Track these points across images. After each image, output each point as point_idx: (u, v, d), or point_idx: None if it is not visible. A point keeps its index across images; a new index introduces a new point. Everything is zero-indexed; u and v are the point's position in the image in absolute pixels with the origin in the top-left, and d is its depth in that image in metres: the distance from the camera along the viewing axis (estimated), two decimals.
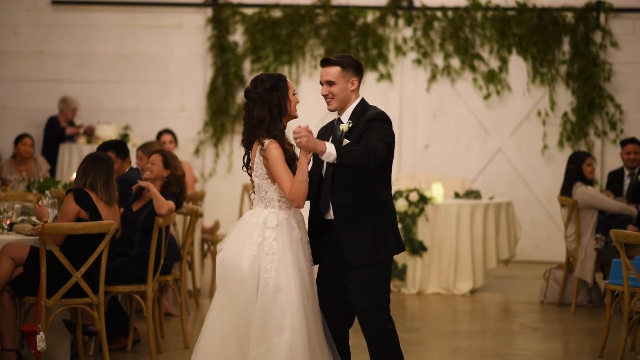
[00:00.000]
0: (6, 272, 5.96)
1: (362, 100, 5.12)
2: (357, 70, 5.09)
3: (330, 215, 5.03)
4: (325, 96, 5.07)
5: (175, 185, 6.91)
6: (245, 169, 5.16)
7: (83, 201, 6.09)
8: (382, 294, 5.03)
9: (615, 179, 9.11)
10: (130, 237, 6.72)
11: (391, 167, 5.11)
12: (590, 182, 8.77)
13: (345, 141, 4.97)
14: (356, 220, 4.97)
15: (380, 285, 5.03)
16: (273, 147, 4.89)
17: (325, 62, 5.10)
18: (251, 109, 4.99)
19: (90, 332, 6.35)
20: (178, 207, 6.94)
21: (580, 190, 8.68)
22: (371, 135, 4.92)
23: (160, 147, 7.95)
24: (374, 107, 5.09)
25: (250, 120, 5.00)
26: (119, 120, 11.72)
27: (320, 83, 5.12)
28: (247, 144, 5.08)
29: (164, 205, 6.65)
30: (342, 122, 5.07)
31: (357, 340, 5.53)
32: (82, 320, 6.33)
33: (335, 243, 5.03)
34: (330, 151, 4.79)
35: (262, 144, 4.94)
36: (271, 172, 4.91)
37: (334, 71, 5.05)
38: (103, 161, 6.25)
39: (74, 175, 7.93)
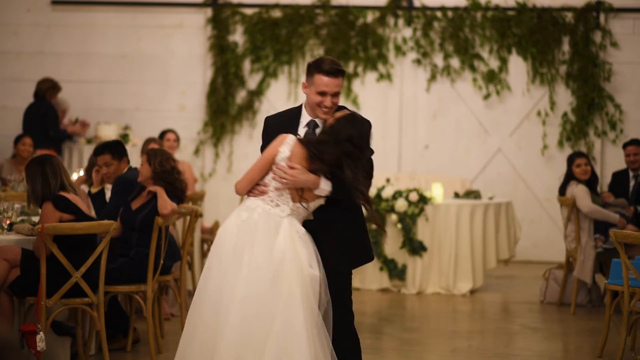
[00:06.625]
0: (1, 274, 5.95)
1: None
2: None
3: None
4: (329, 108, 4.86)
5: (160, 180, 6.82)
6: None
7: (63, 206, 6.01)
8: (350, 296, 5.01)
9: (619, 180, 9.12)
10: (128, 237, 6.71)
11: None
12: (588, 183, 8.76)
13: None
14: (340, 224, 4.90)
15: (349, 288, 5.00)
16: None
17: (337, 73, 4.86)
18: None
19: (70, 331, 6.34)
20: (178, 194, 6.87)
21: (571, 189, 8.72)
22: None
23: (156, 145, 7.93)
24: (345, 108, 4.99)
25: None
26: (119, 120, 11.73)
27: (323, 93, 4.86)
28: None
29: (166, 205, 6.65)
30: (318, 126, 4.94)
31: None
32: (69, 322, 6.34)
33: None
34: (324, 187, 4.78)
35: None
36: None
37: (341, 83, 4.89)
38: (54, 159, 6.13)
39: (74, 176, 7.95)
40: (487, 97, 11.85)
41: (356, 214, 4.96)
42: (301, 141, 4.81)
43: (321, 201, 4.85)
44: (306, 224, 4.90)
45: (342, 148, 4.75)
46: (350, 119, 4.82)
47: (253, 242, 4.75)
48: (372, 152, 4.91)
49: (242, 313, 4.67)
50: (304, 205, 4.82)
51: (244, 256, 4.73)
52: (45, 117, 10.86)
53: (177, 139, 9.98)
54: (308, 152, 4.79)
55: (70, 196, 6.05)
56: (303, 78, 11.97)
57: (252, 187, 4.86)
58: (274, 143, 4.82)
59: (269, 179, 4.82)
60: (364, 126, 4.83)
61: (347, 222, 4.91)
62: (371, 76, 11.93)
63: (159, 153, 6.90)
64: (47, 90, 10.93)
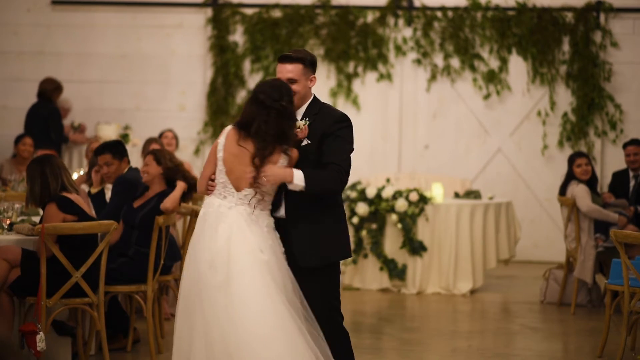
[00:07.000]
0: (1, 274, 5.95)
1: (315, 96, 5.02)
2: (314, 66, 4.99)
3: (281, 213, 4.93)
4: None
5: (177, 174, 6.86)
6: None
7: (67, 207, 6.01)
8: (338, 297, 4.98)
9: (619, 180, 9.12)
10: (128, 235, 6.71)
11: None
12: (588, 183, 8.76)
13: (306, 141, 4.88)
14: (310, 220, 4.88)
15: (336, 288, 4.97)
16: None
17: (285, 59, 4.94)
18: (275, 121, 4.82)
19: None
20: (190, 190, 6.89)
21: (572, 188, 8.73)
22: (338, 144, 4.85)
23: (157, 145, 7.97)
24: (329, 105, 5.00)
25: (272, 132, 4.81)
26: (119, 120, 11.73)
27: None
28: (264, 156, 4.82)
29: (174, 201, 6.66)
30: (296, 120, 4.92)
31: (355, 341, 5.52)
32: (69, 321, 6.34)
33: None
34: (297, 182, 4.75)
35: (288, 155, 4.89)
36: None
37: (296, 68, 4.90)
38: (54, 159, 6.15)
39: (75, 176, 7.96)
40: (487, 97, 11.86)
41: (330, 211, 4.93)
42: (234, 125, 4.94)
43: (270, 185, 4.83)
44: (278, 221, 4.90)
45: (255, 100, 4.83)
46: (267, 80, 4.96)
47: (203, 234, 4.84)
48: (351, 149, 4.91)
49: (203, 309, 4.73)
50: (254, 192, 4.81)
51: (197, 250, 4.85)
52: (48, 119, 10.85)
53: (175, 137, 10.03)
54: (236, 128, 4.90)
55: (73, 197, 6.06)
56: None
57: (207, 183, 4.95)
58: (218, 137, 4.98)
59: (217, 172, 4.91)
60: (281, 84, 4.85)
61: (320, 218, 4.88)
62: (371, 76, 11.93)
63: (165, 151, 6.96)
64: (52, 91, 10.90)
